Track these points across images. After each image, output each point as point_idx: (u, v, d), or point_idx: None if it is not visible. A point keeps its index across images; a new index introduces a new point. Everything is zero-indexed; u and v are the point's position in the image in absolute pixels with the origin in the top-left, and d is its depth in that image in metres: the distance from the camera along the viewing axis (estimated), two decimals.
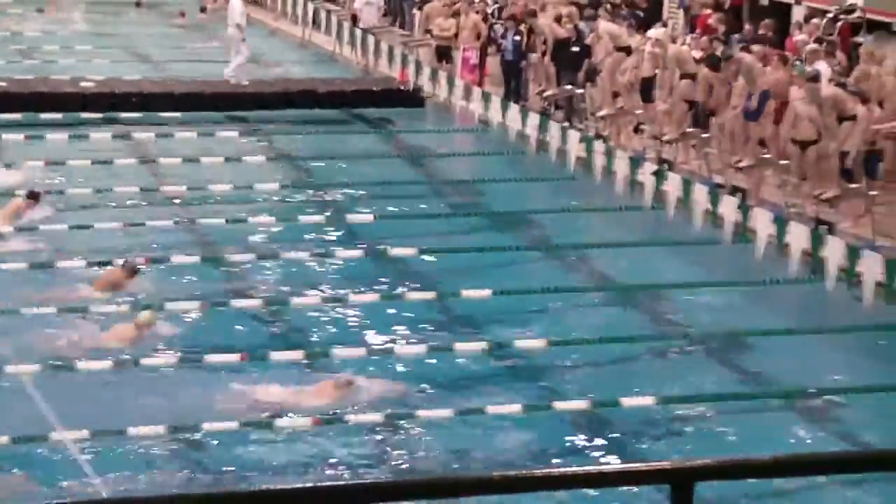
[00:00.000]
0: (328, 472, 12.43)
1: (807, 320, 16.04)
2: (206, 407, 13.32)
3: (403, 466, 12.61)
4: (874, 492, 11.85)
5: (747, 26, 25.01)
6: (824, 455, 3.66)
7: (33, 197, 19.09)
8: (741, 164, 20.19)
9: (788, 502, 11.93)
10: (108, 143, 23.42)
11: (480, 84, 26.28)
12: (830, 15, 24.09)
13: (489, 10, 28.26)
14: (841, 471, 3.61)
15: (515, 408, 13.65)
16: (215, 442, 12.91)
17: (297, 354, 14.66)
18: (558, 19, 25.44)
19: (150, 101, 25.71)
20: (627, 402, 13.78)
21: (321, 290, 16.79)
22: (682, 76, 21.91)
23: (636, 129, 22.81)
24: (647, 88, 22.63)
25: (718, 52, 21.44)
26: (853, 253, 16.46)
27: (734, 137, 20.56)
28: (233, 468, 12.46)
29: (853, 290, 16.27)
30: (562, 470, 3.32)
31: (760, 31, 23.50)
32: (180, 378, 14.12)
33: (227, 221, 19.17)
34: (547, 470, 3.39)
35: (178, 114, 25.17)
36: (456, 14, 27.68)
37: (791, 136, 19.45)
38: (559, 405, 13.85)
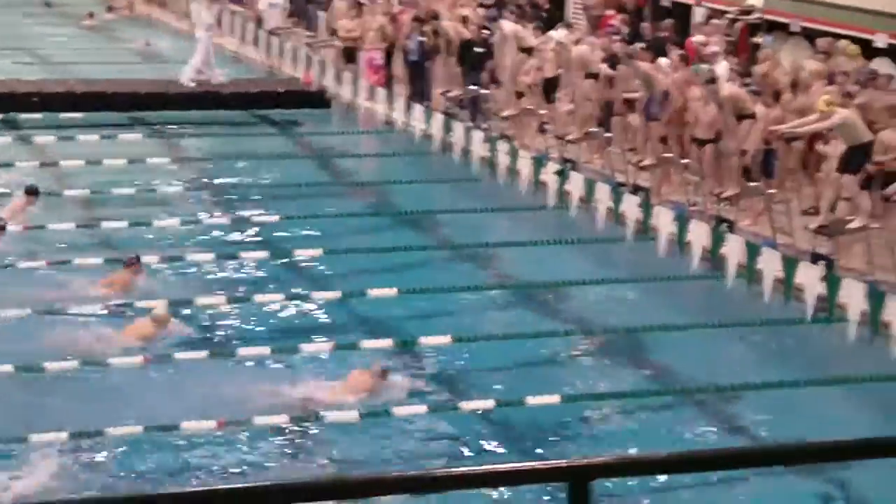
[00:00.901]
0: (231, 474, 12.40)
1: (708, 316, 16.24)
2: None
3: (307, 469, 12.60)
4: (771, 485, 12.04)
5: (644, 24, 25.25)
6: (722, 451, 3.71)
7: (32, 192, 19.05)
8: (643, 164, 20.41)
9: (699, 496, 12.09)
10: (9, 146, 23.17)
11: (386, 85, 26.31)
12: (730, 16, 24.42)
13: (395, 11, 28.27)
14: (738, 466, 3.67)
15: (421, 408, 13.70)
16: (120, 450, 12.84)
17: (201, 354, 14.61)
18: (462, 20, 25.55)
19: (50, 101, 25.44)
20: (532, 400, 13.89)
21: (226, 291, 16.73)
22: (586, 76, 22.10)
23: (540, 130, 22.97)
24: (550, 89, 22.79)
25: (620, 53, 21.63)
26: (752, 250, 16.70)
27: (636, 137, 20.79)
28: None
29: (753, 287, 16.50)
30: (457, 469, 3.34)
31: (663, 33, 23.72)
32: (84, 379, 14.04)
33: (129, 224, 19.05)
34: (444, 470, 3.41)
35: (79, 115, 24.93)
36: (360, 15, 27.68)
37: (692, 135, 19.70)
38: (465, 405, 13.92)
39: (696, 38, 23.33)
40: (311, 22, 32.07)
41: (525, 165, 21.05)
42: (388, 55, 26.86)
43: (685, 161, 19.93)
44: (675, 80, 20.41)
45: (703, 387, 14.50)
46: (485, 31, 24.74)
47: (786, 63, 21.40)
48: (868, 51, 22.05)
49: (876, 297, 15.08)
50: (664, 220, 18.16)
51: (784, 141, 18.85)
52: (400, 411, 13.54)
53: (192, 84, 26.69)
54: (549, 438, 13.49)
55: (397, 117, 24.37)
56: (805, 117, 18.25)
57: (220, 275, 17.57)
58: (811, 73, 20.73)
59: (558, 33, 23.51)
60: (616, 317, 16.48)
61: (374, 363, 14.22)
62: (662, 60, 21.25)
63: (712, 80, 19.28)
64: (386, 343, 15.19)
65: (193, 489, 3.40)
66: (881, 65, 22.00)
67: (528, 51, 23.33)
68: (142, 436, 12.80)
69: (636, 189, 19.94)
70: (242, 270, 17.82)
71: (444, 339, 15.32)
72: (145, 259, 17.13)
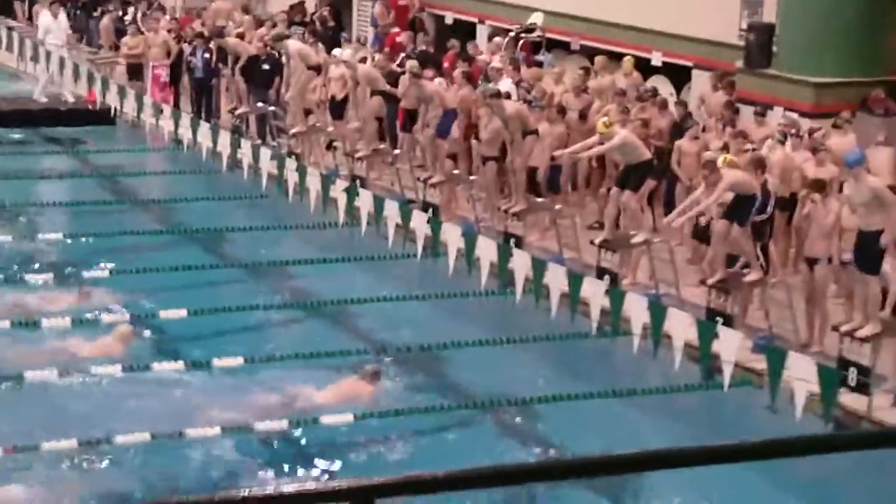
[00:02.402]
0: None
1: (498, 332, 16.50)
2: None
3: (97, 491, 12.47)
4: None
5: (423, 36, 25.57)
6: (507, 467, 3.83)
7: None
8: (433, 181, 20.64)
9: None
10: None
11: (173, 102, 26.09)
12: (512, 34, 24.88)
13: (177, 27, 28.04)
14: (534, 480, 3.77)
15: (215, 430, 13.65)
16: None
17: None
18: (244, 37, 25.50)
19: None
20: (326, 419, 13.96)
21: (9, 314, 16.38)
22: (373, 94, 22.26)
23: (328, 147, 23.04)
24: (338, 106, 22.89)
25: (408, 70, 21.82)
26: (539, 266, 17.03)
27: (425, 154, 21.03)
28: None
29: (541, 302, 16.82)
30: (231, 493, 3.37)
31: (451, 51, 24.05)
32: None
33: None
34: (222, 493, 3.43)
35: None
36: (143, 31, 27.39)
37: (481, 152, 20.01)
38: (259, 425, 13.91)
39: (482, 56, 23.73)
40: (94, 38, 31.60)
41: (314, 183, 21.11)
42: (175, 71, 26.63)
43: (473, 178, 20.23)
44: (461, 97, 20.71)
45: (496, 400, 14.75)
46: (272, 49, 24.72)
47: (567, 80, 21.89)
48: (645, 69, 22.71)
49: (657, 310, 15.52)
50: (453, 237, 18.39)
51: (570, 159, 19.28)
52: (192, 433, 13.45)
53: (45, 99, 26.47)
54: (343, 457, 13.58)
55: (184, 134, 24.17)
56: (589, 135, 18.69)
57: (2, 297, 17.20)
58: (591, 91, 21.28)
59: (342, 52, 23.63)
60: (407, 333, 16.63)
61: (366, 367, 14.46)
62: (438, 78, 21.56)
63: (497, 97, 19.60)
64: (177, 365, 15.08)
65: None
66: (657, 82, 22.69)
67: (317, 68, 23.39)
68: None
69: (425, 206, 20.16)
70: (28, 292, 17.47)
71: (237, 361, 15.27)
72: None
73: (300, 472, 13.15)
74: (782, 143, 17.77)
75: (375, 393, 14.64)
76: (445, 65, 23.36)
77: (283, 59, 24.28)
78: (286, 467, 13.34)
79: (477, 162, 20.45)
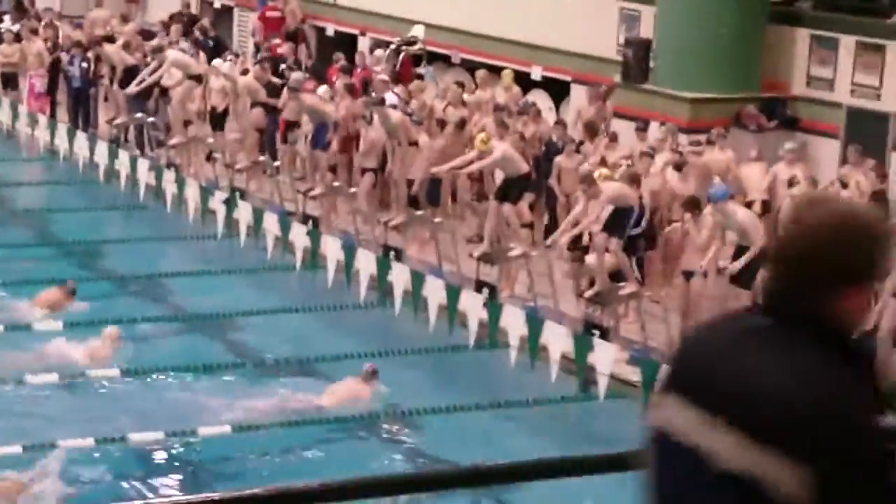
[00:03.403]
0: None
1: (376, 345, 16.51)
2: None
3: None
4: None
5: (310, 52, 25.58)
6: (367, 478, 3.86)
7: None
8: (312, 193, 20.61)
9: None
10: None
11: (50, 112, 25.76)
12: (393, 46, 24.93)
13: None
14: (395, 492, 3.81)
15: (88, 441, 13.50)
16: None
17: None
18: (126, 46, 25.26)
19: None
20: (204, 431, 13.89)
21: None
22: (253, 105, 22.19)
23: (208, 158, 22.91)
24: (218, 117, 22.78)
25: (288, 84, 21.75)
26: (417, 278, 17.09)
27: (305, 166, 21.00)
28: None
29: (419, 314, 16.87)
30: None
31: (337, 63, 24.03)
32: None
33: None
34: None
35: None
36: (20, 40, 27.01)
37: (361, 164, 20.03)
38: (134, 437, 13.80)
39: (359, 70, 23.75)
40: None
41: (193, 194, 20.98)
42: (52, 81, 26.30)
43: (353, 190, 20.24)
44: (343, 109, 20.71)
45: (375, 413, 14.77)
46: (150, 59, 24.50)
47: (449, 94, 21.94)
48: (525, 83, 22.90)
49: (535, 323, 15.66)
50: (332, 249, 18.38)
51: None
52: (66, 444, 13.30)
53: None
54: (222, 469, 13.51)
55: (60, 144, 23.89)
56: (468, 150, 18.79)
57: None
58: (471, 104, 21.41)
59: (221, 63, 23.50)
60: (286, 346, 16.59)
61: (364, 367, 14.68)
62: (322, 89, 21.55)
63: (381, 104, 19.60)
64: (51, 378, 14.90)
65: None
66: (537, 96, 22.89)
67: (197, 79, 23.25)
68: None
69: (305, 218, 20.12)
70: None
71: (113, 372, 15.15)
72: None
73: (182, 483, 13.07)
74: (651, 156, 18.01)
75: (374, 392, 14.83)
76: (331, 77, 23.29)
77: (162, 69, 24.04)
78: (166, 479, 13.25)
79: (357, 174, 20.48)
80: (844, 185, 16.77)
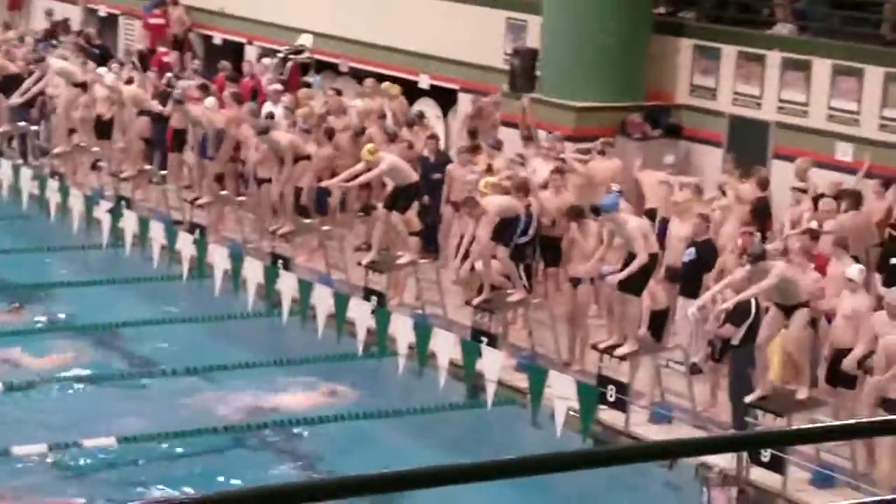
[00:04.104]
0: None
1: (265, 353, 16.47)
2: None
3: None
4: None
5: (195, 62, 25.40)
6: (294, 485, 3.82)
7: None
8: (200, 202, 20.48)
9: None
10: None
11: None
12: (281, 55, 24.86)
13: None
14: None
15: None
16: None
17: None
18: (7, 54, 24.93)
19: None
20: (89, 442, 13.76)
21: None
22: (140, 114, 21.99)
23: (93, 167, 22.67)
24: (103, 126, 22.54)
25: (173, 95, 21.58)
26: (305, 287, 17.07)
27: (192, 174, 20.86)
28: None
29: (308, 323, 16.84)
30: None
31: (221, 72, 23.91)
32: None
33: None
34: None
35: None
36: None
37: (256, 174, 19.90)
38: (17, 450, 13.63)
39: (245, 79, 23.64)
40: None
41: (77, 203, 20.76)
42: None
43: (241, 198, 20.15)
44: (229, 118, 20.60)
45: (262, 422, 14.73)
46: (32, 66, 24.20)
47: (330, 102, 21.88)
48: (412, 91, 22.96)
49: (423, 330, 15.71)
50: (220, 257, 18.30)
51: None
52: None
53: None
54: (106, 480, 13.41)
55: None
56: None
57: None
58: (359, 113, 21.41)
59: (106, 73, 23.22)
60: (173, 355, 16.49)
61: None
62: (210, 100, 21.39)
63: (266, 132, 19.41)
64: None
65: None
66: (425, 105, 22.96)
67: (82, 86, 23.00)
68: None
69: (192, 226, 19.99)
70: None
71: None
72: None
73: (70, 496, 12.96)
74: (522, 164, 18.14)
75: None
76: (215, 86, 23.17)
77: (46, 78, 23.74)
78: (53, 491, 13.12)
79: (243, 182, 20.39)
80: (724, 194, 17.00)
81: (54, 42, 26.15)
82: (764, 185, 17.07)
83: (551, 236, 16.87)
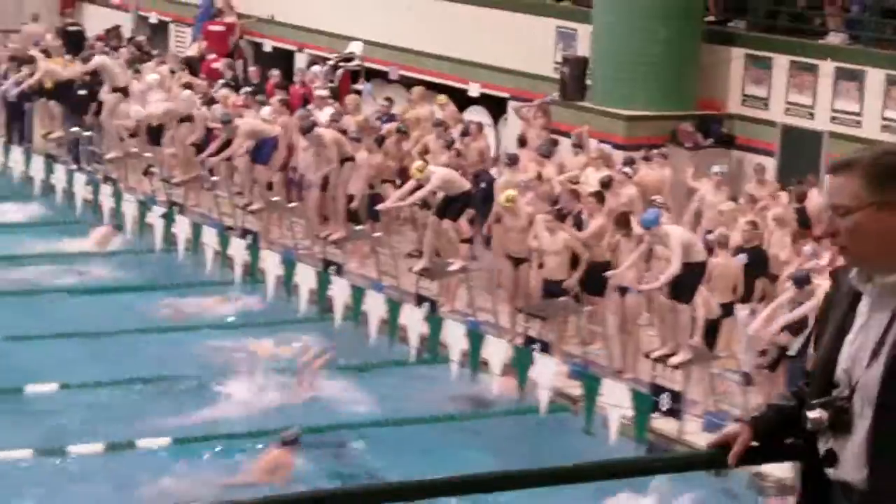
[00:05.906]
0: None
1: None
2: None
3: None
4: None
5: (252, 69, 25.56)
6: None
7: None
8: (251, 208, 20.59)
9: None
10: None
11: None
12: (331, 63, 24.97)
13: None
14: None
15: None
16: None
17: None
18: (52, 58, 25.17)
19: None
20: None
21: None
22: (181, 121, 22.05)
23: (145, 172, 22.82)
24: (155, 132, 22.69)
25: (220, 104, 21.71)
26: (357, 293, 17.15)
27: (244, 181, 20.97)
28: None
29: (360, 329, 16.91)
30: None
31: (272, 80, 24.02)
32: None
33: None
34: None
35: None
36: None
37: (306, 179, 20.01)
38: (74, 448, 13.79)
39: (295, 87, 23.74)
40: None
41: (130, 208, 20.92)
42: None
43: (292, 205, 20.26)
44: (281, 125, 20.71)
45: (316, 427, 14.78)
46: (86, 74, 24.39)
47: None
48: (462, 100, 23.02)
49: (475, 337, 15.76)
50: (272, 264, 18.40)
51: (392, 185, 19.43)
52: None
53: None
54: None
55: None
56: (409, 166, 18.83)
57: None
58: (412, 121, 21.49)
59: (152, 77, 23.33)
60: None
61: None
62: (265, 108, 21.51)
63: (311, 129, 19.55)
64: None
65: None
66: (475, 113, 23.02)
67: (123, 91, 23.20)
68: None
69: (244, 233, 20.11)
70: None
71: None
72: None
73: None
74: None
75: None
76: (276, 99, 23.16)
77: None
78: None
79: (294, 189, 20.49)
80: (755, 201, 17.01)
81: (106, 48, 26.26)
82: (801, 198, 17.08)
83: (596, 262, 16.37)
